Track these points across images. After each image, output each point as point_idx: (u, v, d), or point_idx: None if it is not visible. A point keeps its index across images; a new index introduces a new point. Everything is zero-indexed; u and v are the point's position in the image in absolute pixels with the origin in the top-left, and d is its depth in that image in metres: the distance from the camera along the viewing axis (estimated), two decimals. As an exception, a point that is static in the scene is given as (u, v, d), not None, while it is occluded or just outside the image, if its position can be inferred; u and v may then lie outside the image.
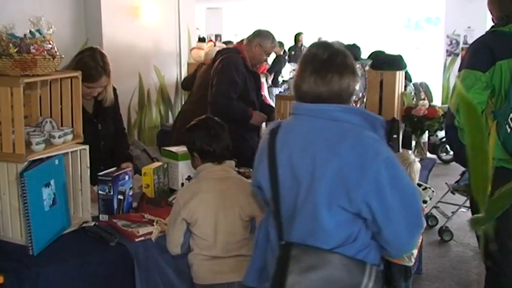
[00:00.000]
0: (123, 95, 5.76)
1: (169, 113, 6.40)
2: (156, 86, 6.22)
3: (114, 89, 3.35)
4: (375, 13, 16.17)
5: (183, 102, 6.47)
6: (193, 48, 6.31)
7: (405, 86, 4.47)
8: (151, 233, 2.48)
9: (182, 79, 6.38)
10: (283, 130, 1.95)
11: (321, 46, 1.94)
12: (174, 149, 3.20)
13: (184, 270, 2.53)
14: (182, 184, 3.13)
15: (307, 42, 11.95)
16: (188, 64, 6.42)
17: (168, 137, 5.56)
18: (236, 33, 15.07)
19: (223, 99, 4.06)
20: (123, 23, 5.73)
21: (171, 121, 6.34)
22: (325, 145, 1.82)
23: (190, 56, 6.39)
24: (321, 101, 1.88)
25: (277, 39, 11.93)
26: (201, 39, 6.56)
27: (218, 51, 4.56)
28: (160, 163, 3.17)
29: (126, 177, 2.78)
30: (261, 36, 4.28)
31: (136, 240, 2.45)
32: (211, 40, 6.80)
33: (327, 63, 1.88)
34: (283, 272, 1.82)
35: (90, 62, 3.07)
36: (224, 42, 7.12)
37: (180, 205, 2.39)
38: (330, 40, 2.12)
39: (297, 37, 12.03)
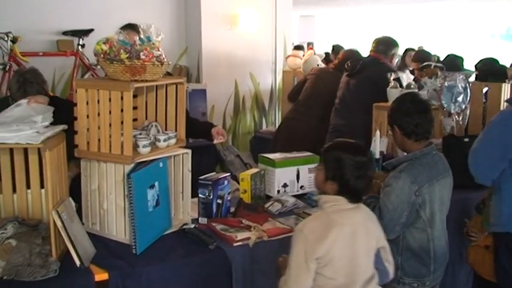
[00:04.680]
0: (220, 101, 5.91)
1: (263, 119, 6.45)
2: (251, 92, 6.29)
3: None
4: (471, 23, 15.58)
5: (277, 110, 6.50)
6: (289, 55, 6.32)
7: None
8: (249, 238, 2.49)
9: (277, 86, 6.40)
10: None
11: None
12: (271, 156, 3.22)
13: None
14: (278, 191, 3.13)
15: (399, 50, 11.63)
16: (283, 72, 6.45)
17: (263, 144, 5.59)
18: (328, 41, 14.99)
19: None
20: (222, 31, 5.86)
21: (264, 127, 6.39)
22: None
23: (285, 63, 6.41)
24: None
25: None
26: (298, 47, 6.53)
27: (358, 60, 4.59)
28: (257, 169, 3.19)
29: (225, 182, 2.82)
30: (393, 46, 4.61)
31: (235, 244, 2.46)
32: (311, 48, 6.73)
33: None
34: None
35: None
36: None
37: (310, 242, 1.98)
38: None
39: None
